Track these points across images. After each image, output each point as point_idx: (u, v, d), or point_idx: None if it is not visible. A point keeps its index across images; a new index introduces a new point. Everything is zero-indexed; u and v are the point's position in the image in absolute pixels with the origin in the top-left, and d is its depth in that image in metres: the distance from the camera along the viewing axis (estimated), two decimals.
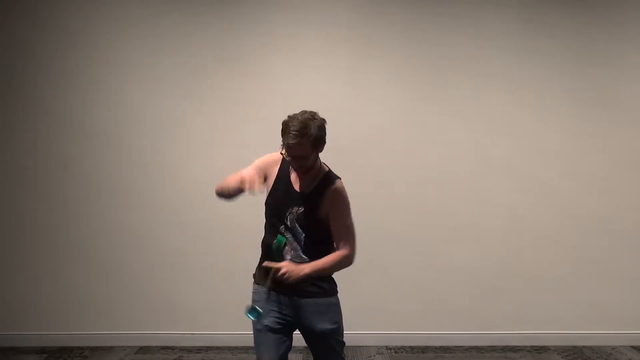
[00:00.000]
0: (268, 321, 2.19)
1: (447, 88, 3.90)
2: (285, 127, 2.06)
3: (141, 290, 3.88)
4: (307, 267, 2.09)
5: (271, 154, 2.30)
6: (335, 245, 2.21)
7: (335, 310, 2.24)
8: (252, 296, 2.29)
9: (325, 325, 2.19)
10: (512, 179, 3.94)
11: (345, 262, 2.18)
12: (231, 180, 2.15)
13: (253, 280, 2.31)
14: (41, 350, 3.79)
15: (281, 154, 2.13)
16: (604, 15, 3.93)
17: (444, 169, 3.92)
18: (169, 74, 3.83)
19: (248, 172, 2.16)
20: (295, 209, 2.16)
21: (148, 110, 3.84)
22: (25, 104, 3.82)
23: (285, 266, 2.06)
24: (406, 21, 3.88)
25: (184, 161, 3.87)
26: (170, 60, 3.83)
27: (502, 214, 3.94)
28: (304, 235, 2.16)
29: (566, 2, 3.91)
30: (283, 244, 2.15)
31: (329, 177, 2.21)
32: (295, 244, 2.17)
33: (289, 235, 2.17)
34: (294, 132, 2.02)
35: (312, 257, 2.15)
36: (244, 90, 3.84)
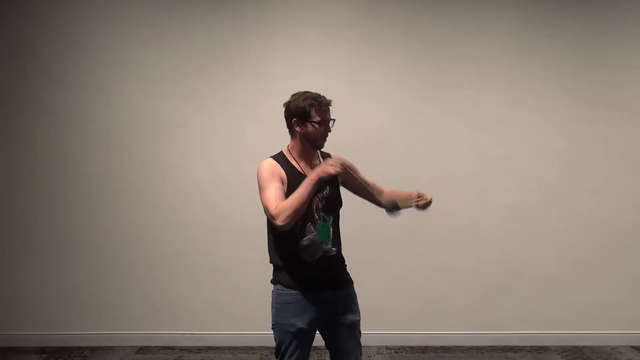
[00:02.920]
0: (302, 324, 2.14)
1: (447, 88, 3.90)
2: (312, 101, 2.14)
3: (141, 290, 3.87)
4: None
5: (266, 163, 2.18)
6: (372, 190, 2.39)
7: (357, 302, 2.30)
8: (280, 298, 2.17)
9: (355, 316, 2.25)
10: (512, 179, 3.94)
11: None
12: (294, 195, 2.00)
13: (279, 284, 2.19)
14: (41, 350, 3.79)
15: (314, 126, 2.14)
16: (604, 15, 3.93)
17: (444, 169, 3.92)
18: (169, 74, 3.83)
19: (276, 189, 2.06)
20: (318, 196, 2.15)
21: (148, 110, 3.84)
22: (25, 104, 3.82)
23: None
24: (406, 21, 3.88)
25: (184, 161, 3.87)
26: (171, 60, 3.83)
27: (502, 214, 3.94)
28: (332, 220, 2.18)
29: (566, 2, 3.91)
30: (329, 223, 2.16)
31: (325, 153, 2.33)
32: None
33: (317, 230, 2.14)
34: (323, 96, 2.16)
35: (338, 247, 2.22)
36: (244, 90, 3.84)
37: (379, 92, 3.89)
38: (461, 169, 3.92)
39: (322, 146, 2.23)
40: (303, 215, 2.07)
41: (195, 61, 3.84)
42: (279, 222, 1.98)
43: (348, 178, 2.32)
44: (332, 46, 3.86)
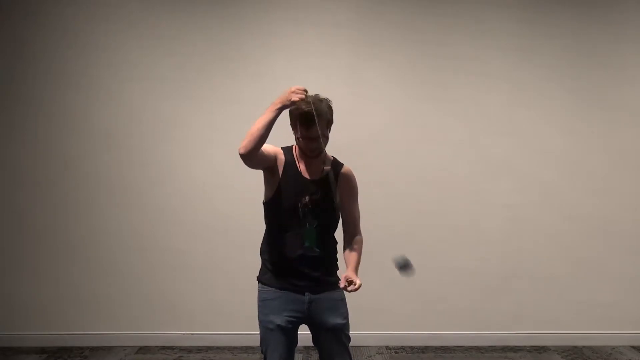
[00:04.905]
0: (280, 321, 2.17)
1: (447, 88, 3.91)
2: (298, 113, 2.09)
3: (141, 290, 3.87)
4: (354, 272, 2.18)
5: (274, 147, 2.25)
6: (347, 228, 2.30)
7: (344, 306, 2.28)
8: (261, 295, 2.24)
9: (337, 320, 2.22)
10: (512, 179, 3.94)
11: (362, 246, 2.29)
12: (260, 119, 2.02)
13: (260, 282, 2.27)
14: (41, 350, 3.79)
15: (298, 139, 2.14)
16: (604, 15, 3.93)
17: (444, 169, 3.92)
18: (169, 74, 3.83)
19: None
20: (308, 198, 2.16)
21: (148, 110, 3.84)
22: (25, 104, 3.82)
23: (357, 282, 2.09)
24: (406, 21, 3.88)
25: (183, 161, 3.87)
26: (170, 60, 3.83)
27: (502, 214, 3.94)
28: (316, 225, 2.16)
29: (566, 2, 3.92)
30: (315, 233, 2.15)
31: (337, 161, 2.29)
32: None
33: (304, 233, 2.16)
34: (310, 113, 2.06)
35: (323, 249, 2.21)
36: (244, 90, 3.84)
37: (379, 92, 3.89)
38: (461, 169, 3.93)
39: (310, 156, 2.19)
40: (288, 211, 2.14)
41: (195, 61, 3.84)
42: (240, 149, 2.01)
43: (347, 198, 2.26)
44: (332, 46, 3.86)
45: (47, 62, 3.81)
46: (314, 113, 2.06)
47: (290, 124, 2.18)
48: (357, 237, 2.32)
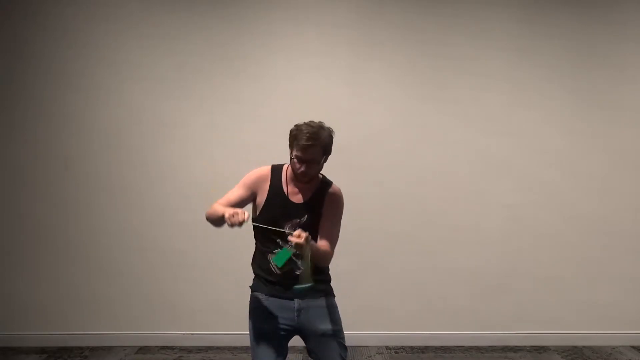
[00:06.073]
0: (269, 327, 2.18)
1: (447, 88, 3.91)
2: (296, 133, 2.09)
3: (141, 290, 3.88)
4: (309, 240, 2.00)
5: (258, 170, 2.26)
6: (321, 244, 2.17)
7: (336, 312, 2.26)
8: (252, 304, 2.28)
9: (327, 326, 2.21)
10: (512, 179, 3.94)
11: (327, 260, 2.19)
12: (218, 208, 2.11)
13: (251, 290, 2.31)
14: (41, 350, 3.79)
15: (292, 158, 2.12)
16: (604, 15, 3.94)
17: (444, 169, 3.92)
18: (169, 74, 3.83)
19: (234, 194, 2.20)
20: (296, 220, 2.15)
21: (148, 110, 3.84)
22: (25, 104, 3.82)
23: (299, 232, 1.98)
24: (406, 21, 3.88)
25: (183, 161, 3.87)
26: (170, 60, 3.83)
27: (502, 214, 3.94)
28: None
29: (566, 2, 3.92)
30: (289, 254, 2.12)
31: (326, 183, 2.26)
32: (294, 257, 2.15)
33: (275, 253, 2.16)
34: (308, 135, 2.05)
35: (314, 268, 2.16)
36: (244, 90, 3.84)
37: (379, 92, 3.89)
38: (461, 169, 3.93)
39: (300, 180, 2.16)
40: (273, 236, 2.14)
41: (195, 61, 3.84)
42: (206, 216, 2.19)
43: (325, 214, 2.22)
44: (332, 46, 3.86)
45: (47, 62, 3.81)
46: (313, 137, 2.05)
47: (289, 143, 2.15)
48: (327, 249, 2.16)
